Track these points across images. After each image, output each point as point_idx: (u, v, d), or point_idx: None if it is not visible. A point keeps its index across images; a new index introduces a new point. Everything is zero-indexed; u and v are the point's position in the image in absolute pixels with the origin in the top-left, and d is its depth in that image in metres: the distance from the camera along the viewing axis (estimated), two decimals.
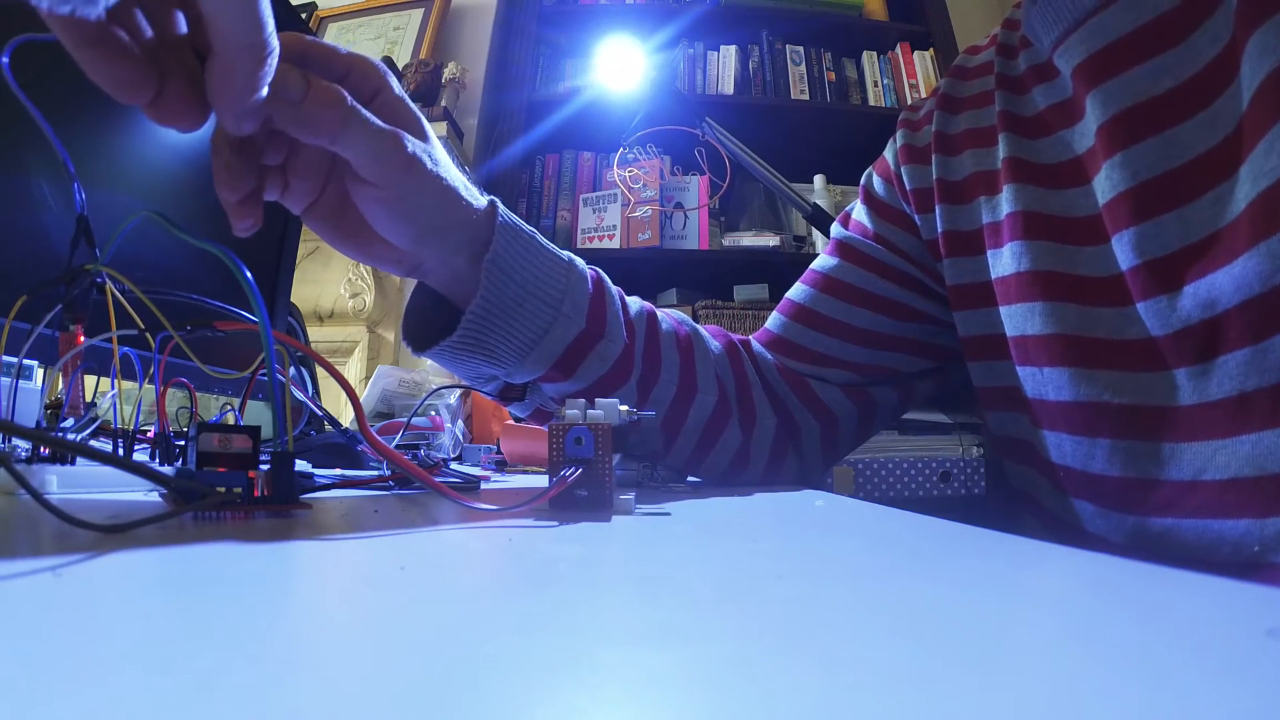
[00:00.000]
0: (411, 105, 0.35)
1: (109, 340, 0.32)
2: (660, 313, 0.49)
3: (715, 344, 0.51)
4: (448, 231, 0.37)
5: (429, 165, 0.35)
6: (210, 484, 0.24)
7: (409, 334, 0.42)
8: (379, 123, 0.32)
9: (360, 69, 0.33)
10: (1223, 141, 0.34)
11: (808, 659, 0.11)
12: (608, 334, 0.43)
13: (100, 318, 0.33)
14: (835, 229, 0.57)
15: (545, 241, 0.42)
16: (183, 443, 0.35)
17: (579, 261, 0.44)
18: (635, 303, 0.48)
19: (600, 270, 0.45)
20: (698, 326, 0.51)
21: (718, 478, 0.51)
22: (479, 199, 0.39)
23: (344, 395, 0.30)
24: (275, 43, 0.27)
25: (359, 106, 0.32)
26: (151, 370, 0.32)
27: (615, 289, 0.46)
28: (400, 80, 0.36)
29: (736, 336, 0.55)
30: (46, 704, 0.08)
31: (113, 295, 0.32)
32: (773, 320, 0.57)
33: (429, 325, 0.42)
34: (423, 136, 0.35)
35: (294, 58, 0.31)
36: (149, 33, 0.27)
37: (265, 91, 0.28)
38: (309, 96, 0.30)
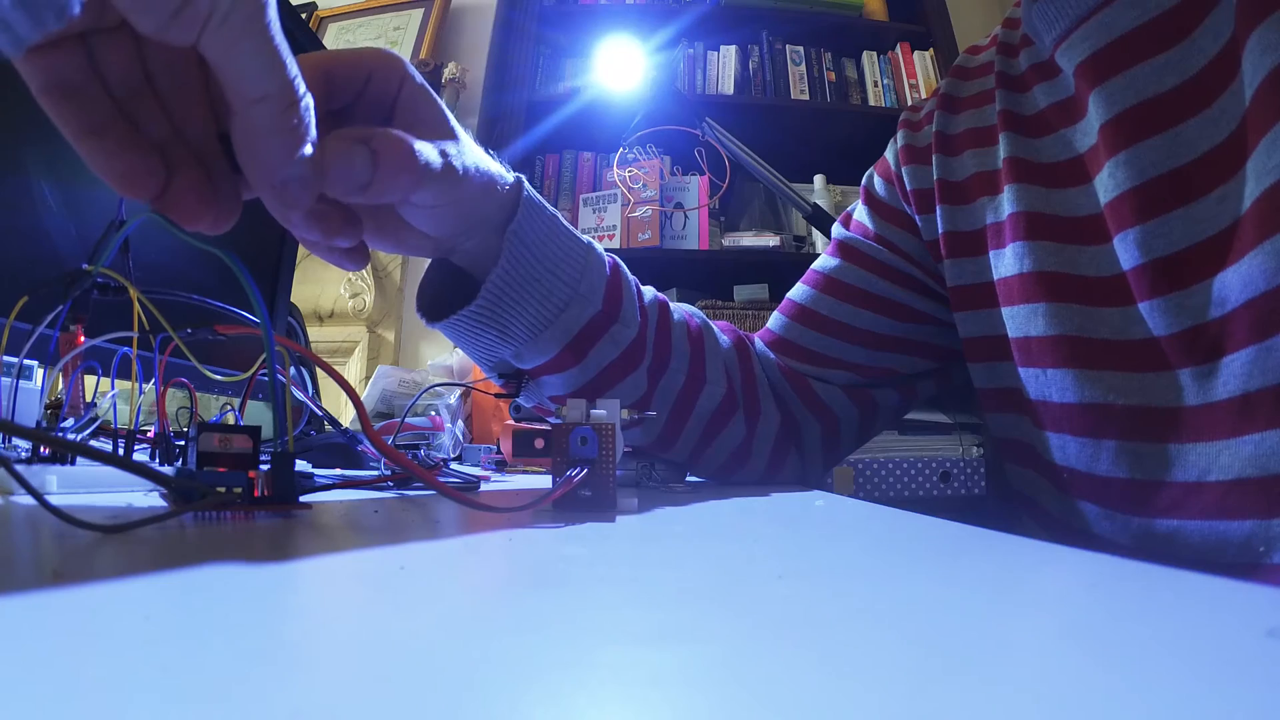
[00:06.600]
0: (434, 96, 0.34)
1: (110, 340, 0.32)
2: (673, 305, 0.50)
3: (725, 338, 0.52)
4: (485, 219, 0.38)
5: (467, 171, 0.34)
6: (210, 484, 0.24)
7: (423, 306, 0.41)
8: (437, 161, 0.31)
9: (381, 70, 0.32)
10: (1226, 139, 0.34)
11: (808, 659, 0.11)
12: (622, 318, 0.43)
13: (101, 318, 0.33)
14: (836, 229, 0.57)
15: (566, 223, 0.42)
16: (183, 443, 0.35)
17: (597, 246, 0.44)
18: (649, 292, 0.48)
19: (618, 258, 0.45)
20: (709, 320, 0.52)
21: (716, 472, 0.51)
22: (506, 176, 0.38)
23: (344, 395, 0.30)
24: (301, 89, 0.23)
25: (422, 156, 0.29)
26: (151, 371, 0.32)
27: (632, 277, 0.46)
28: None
29: (744, 334, 0.55)
30: (46, 705, 0.08)
31: (129, 297, 0.32)
32: (774, 320, 0.57)
33: (443, 301, 0.41)
34: (448, 129, 0.34)
35: (318, 83, 0.29)
36: (159, 119, 0.24)
37: (308, 152, 0.24)
38: (378, 172, 0.27)
